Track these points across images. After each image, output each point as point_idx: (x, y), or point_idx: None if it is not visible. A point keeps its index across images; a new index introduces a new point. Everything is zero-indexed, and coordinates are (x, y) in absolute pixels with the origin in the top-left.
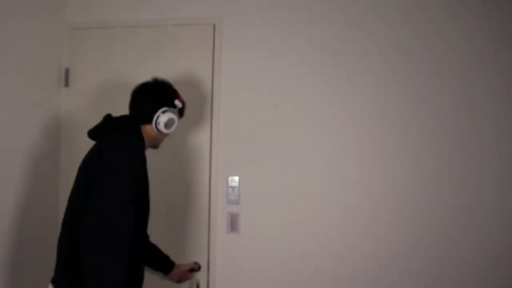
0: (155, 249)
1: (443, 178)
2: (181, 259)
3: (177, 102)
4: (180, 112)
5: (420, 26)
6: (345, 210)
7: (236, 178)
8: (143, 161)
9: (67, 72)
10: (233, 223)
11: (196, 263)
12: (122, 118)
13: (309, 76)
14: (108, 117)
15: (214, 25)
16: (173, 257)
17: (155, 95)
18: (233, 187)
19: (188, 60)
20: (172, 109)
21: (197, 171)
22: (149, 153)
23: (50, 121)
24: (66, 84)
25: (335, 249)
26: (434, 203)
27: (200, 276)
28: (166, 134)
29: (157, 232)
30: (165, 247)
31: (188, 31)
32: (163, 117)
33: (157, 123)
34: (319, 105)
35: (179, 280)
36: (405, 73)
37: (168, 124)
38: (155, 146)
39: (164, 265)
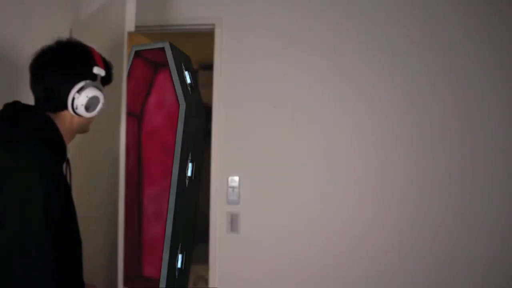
0: None
1: (442, 178)
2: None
3: (97, 69)
4: (106, 80)
5: (419, 27)
6: (345, 210)
7: (236, 178)
8: (54, 180)
9: None
10: (233, 223)
11: None
12: (22, 115)
13: (309, 76)
14: (4, 114)
15: (214, 25)
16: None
17: (62, 66)
18: (233, 187)
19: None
20: (91, 82)
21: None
22: None
23: None
24: None
25: (335, 248)
26: (433, 203)
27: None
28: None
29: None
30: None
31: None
32: (80, 98)
33: (75, 108)
34: (318, 105)
35: None
36: (404, 74)
37: (91, 106)
38: (83, 131)
39: None
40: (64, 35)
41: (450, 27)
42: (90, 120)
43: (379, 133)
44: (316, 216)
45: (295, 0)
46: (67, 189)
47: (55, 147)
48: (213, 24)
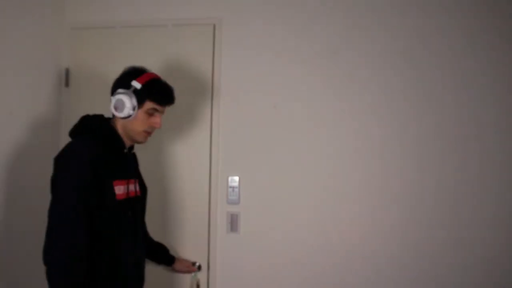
0: (153, 246)
1: (446, 179)
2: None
3: (134, 83)
4: (143, 93)
5: (419, 27)
6: (345, 209)
7: (236, 178)
8: (94, 165)
9: (67, 72)
10: (233, 223)
11: (196, 263)
12: (91, 117)
13: (309, 76)
14: (83, 118)
15: (214, 26)
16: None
17: (117, 81)
18: (233, 187)
19: (188, 61)
20: (125, 90)
21: (197, 171)
22: (149, 152)
23: (50, 121)
24: (66, 84)
25: (335, 248)
26: (437, 203)
27: (200, 276)
28: (136, 121)
29: (157, 232)
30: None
31: (188, 31)
32: (113, 100)
33: (111, 108)
34: (318, 105)
35: (183, 271)
36: (405, 73)
37: (117, 107)
38: (135, 139)
39: (164, 259)
40: (61, 38)
41: (455, 27)
42: (131, 124)
43: (380, 133)
44: (317, 216)
45: (295, 0)
46: (109, 176)
47: (108, 140)
48: (213, 24)
